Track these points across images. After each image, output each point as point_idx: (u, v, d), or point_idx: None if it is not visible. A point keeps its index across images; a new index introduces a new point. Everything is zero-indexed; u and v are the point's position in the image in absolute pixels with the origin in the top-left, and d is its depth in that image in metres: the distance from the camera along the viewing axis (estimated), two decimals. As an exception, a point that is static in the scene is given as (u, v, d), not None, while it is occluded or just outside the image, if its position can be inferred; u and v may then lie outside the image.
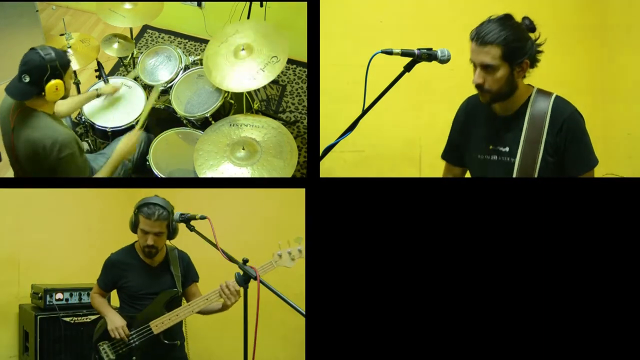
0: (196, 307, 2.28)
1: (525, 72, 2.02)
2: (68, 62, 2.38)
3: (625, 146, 2.97)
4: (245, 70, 2.93)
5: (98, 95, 3.15)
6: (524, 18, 2.04)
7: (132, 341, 2.28)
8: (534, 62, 2.03)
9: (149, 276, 2.36)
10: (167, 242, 2.40)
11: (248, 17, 3.59)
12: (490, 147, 2.14)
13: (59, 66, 2.31)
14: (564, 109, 2.03)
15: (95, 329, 2.38)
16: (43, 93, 2.31)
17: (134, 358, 2.28)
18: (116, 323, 2.28)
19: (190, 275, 2.44)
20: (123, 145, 2.75)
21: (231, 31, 3.13)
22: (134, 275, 2.35)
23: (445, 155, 2.38)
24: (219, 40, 3.09)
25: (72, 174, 2.44)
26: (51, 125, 2.39)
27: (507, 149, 2.09)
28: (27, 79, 2.28)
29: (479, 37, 1.97)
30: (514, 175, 2.06)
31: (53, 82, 2.30)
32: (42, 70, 2.28)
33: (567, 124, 2.00)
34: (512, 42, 1.96)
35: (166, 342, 2.31)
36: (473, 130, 2.23)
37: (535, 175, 2.03)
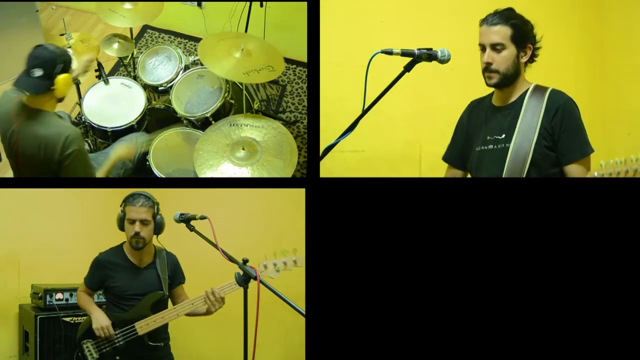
0: (182, 311, 2.31)
1: (528, 58, 2.14)
2: (71, 59, 2.44)
3: (625, 145, 2.97)
4: (242, 65, 2.94)
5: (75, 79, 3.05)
6: (525, 17, 2.15)
7: (116, 341, 2.29)
8: (534, 54, 2.15)
9: (136, 277, 2.37)
10: (157, 243, 2.41)
11: (246, 31, 3.59)
12: (488, 137, 2.19)
13: (66, 62, 2.38)
14: (559, 97, 2.12)
15: (79, 326, 2.40)
16: (53, 87, 2.35)
17: (118, 358, 2.29)
18: (102, 322, 2.29)
19: (177, 277, 2.46)
20: (123, 147, 2.79)
21: (232, 35, 3.15)
22: (121, 275, 2.36)
23: (446, 157, 2.41)
24: (218, 38, 3.10)
25: (79, 170, 2.47)
26: (58, 122, 2.43)
27: (503, 135, 2.15)
28: (39, 73, 2.32)
29: (489, 20, 2.12)
30: (508, 159, 2.10)
31: (63, 75, 2.36)
32: (53, 64, 2.33)
33: (562, 109, 2.08)
34: (519, 25, 2.11)
35: (150, 343, 2.32)
36: (475, 129, 2.27)
37: (529, 159, 2.08)
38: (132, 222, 2.32)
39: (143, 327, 2.29)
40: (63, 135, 2.37)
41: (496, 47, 2.10)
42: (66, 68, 2.38)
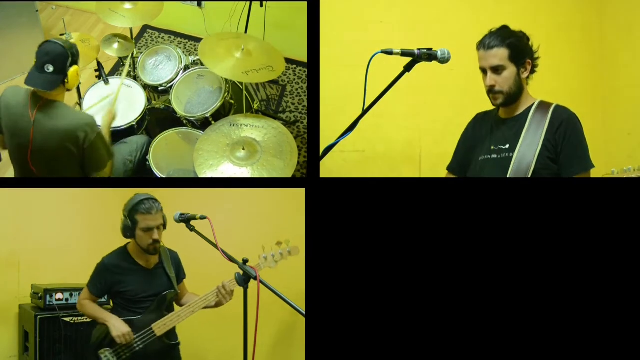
0: (197, 308, 2.29)
1: (529, 72, 2.17)
2: (78, 51, 2.49)
3: (625, 146, 2.97)
4: (241, 64, 2.94)
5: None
6: (520, 31, 2.19)
7: (135, 345, 2.26)
8: (534, 65, 2.18)
9: (147, 279, 2.35)
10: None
11: (246, 31, 3.59)
12: (492, 147, 2.21)
13: (75, 52, 2.44)
14: (563, 112, 2.15)
15: (93, 335, 2.33)
16: (66, 80, 2.40)
17: None
18: (122, 329, 2.23)
19: (180, 274, 2.45)
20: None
21: (233, 35, 3.15)
22: (131, 279, 2.32)
23: (451, 167, 2.43)
24: (220, 38, 3.11)
25: (104, 153, 2.53)
26: (73, 113, 2.49)
27: (507, 145, 2.17)
28: (51, 69, 2.35)
29: (486, 44, 2.14)
30: (510, 168, 2.12)
31: (74, 67, 2.41)
32: (64, 57, 2.37)
33: (566, 124, 2.11)
34: (516, 44, 2.13)
35: (171, 342, 2.31)
36: (479, 140, 2.29)
37: (532, 169, 2.10)
38: (149, 229, 2.28)
39: (161, 327, 2.28)
40: (82, 128, 2.41)
41: (497, 70, 2.13)
42: (75, 60, 2.43)
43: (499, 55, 2.12)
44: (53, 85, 2.37)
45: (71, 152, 2.43)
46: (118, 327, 2.24)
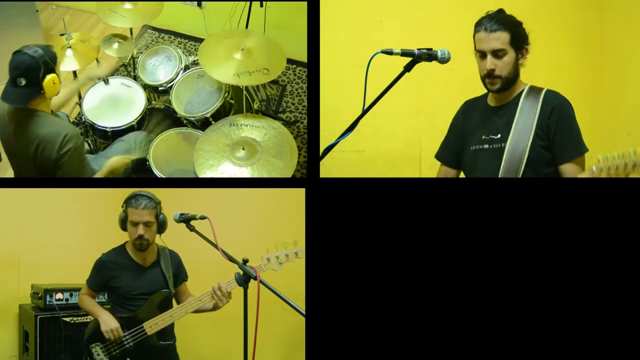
0: (190, 308, 2.30)
1: (524, 59, 2.15)
2: (55, 54, 2.37)
3: (626, 146, 2.96)
4: (234, 66, 2.92)
5: (90, 79, 3.15)
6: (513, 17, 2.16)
7: (125, 343, 2.28)
8: (527, 52, 2.16)
9: (141, 276, 2.36)
10: (159, 241, 2.41)
11: (246, 27, 3.58)
12: (483, 137, 2.19)
13: (49, 60, 2.31)
14: (555, 98, 2.13)
15: (86, 329, 2.37)
16: (42, 91, 2.31)
17: (128, 359, 2.27)
18: (110, 325, 2.26)
19: (180, 274, 2.45)
20: (117, 160, 2.75)
21: (240, 33, 3.14)
22: (126, 275, 2.35)
23: (439, 156, 2.41)
24: (224, 36, 3.10)
25: (75, 168, 2.43)
26: (55, 121, 2.40)
27: (498, 135, 2.15)
28: (24, 82, 2.26)
29: (487, 26, 2.10)
30: (504, 159, 2.11)
31: (49, 77, 2.30)
32: (36, 69, 2.27)
33: (557, 109, 2.09)
34: (516, 28, 2.12)
35: (161, 342, 2.31)
36: (470, 129, 2.26)
37: (525, 159, 2.08)
38: (135, 224, 2.30)
39: (152, 326, 2.28)
40: (61, 134, 2.35)
41: (498, 54, 2.09)
42: (50, 68, 2.31)
43: (502, 38, 2.08)
44: (28, 98, 2.30)
45: (46, 161, 2.38)
46: (107, 322, 2.27)
